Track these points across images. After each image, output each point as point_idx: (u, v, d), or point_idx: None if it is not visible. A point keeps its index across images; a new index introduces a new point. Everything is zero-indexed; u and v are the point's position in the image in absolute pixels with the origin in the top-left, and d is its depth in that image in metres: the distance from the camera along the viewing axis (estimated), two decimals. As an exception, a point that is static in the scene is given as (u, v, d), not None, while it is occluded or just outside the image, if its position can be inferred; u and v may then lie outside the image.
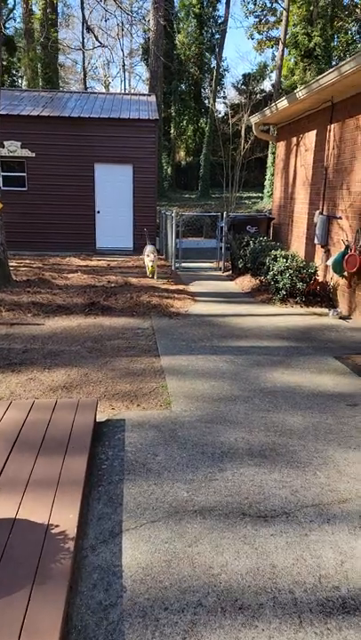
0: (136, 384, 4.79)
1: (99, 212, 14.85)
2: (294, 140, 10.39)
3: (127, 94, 16.63)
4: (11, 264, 11.76)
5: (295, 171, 10.33)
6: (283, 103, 9.24)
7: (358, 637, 2.03)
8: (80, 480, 2.76)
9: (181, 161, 37.04)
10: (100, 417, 3.99)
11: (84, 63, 32.84)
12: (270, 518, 2.76)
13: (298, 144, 10.17)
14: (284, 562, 2.43)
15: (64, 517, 2.41)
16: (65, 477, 2.77)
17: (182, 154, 37.51)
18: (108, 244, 14.94)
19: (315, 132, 9.13)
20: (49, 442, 3.17)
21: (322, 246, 8.66)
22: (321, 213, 8.63)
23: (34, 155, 14.42)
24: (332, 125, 8.23)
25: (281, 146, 11.43)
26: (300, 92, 8.26)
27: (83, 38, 27.01)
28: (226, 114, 32.94)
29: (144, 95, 17.10)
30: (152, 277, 10.24)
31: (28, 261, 12.36)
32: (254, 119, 11.46)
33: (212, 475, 3.18)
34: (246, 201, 26.22)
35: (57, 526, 2.34)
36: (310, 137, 9.37)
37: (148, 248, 10.53)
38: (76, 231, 14.74)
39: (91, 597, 2.18)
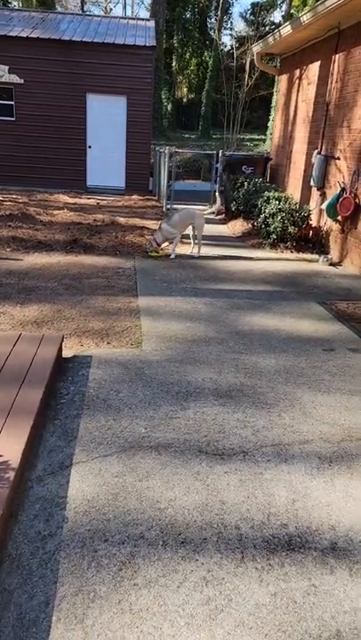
0: (109, 322, 4.65)
1: (90, 147, 14.20)
2: (297, 72, 9.74)
3: (124, 18, 15.49)
4: (-4, 198, 11.36)
5: (296, 107, 9.76)
6: (286, 29, 8.58)
7: (300, 573, 2.00)
8: (32, 412, 2.67)
9: (183, 98, 35.26)
10: (67, 353, 3.87)
11: (81, -16, 30.53)
12: (227, 457, 2.70)
13: (301, 77, 9.54)
14: (235, 499, 2.38)
15: (9, 447, 2.33)
16: (17, 409, 2.68)
17: (185, 90, 35.67)
18: (99, 181, 14.39)
19: (318, 63, 8.53)
20: (6, 373, 3.06)
21: (318, 189, 8.30)
22: (319, 153, 8.21)
23: (22, 81, 13.59)
24: (337, 55, 7.66)
25: (284, 79, 10.75)
26: (305, 17, 7.63)
27: None
28: (232, 47, 30.99)
29: (143, 20, 15.95)
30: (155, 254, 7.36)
31: (14, 196, 11.92)
32: (256, 48, 10.71)
33: (174, 413, 3.10)
34: (248, 143, 25.20)
35: (0, 456, 2.26)
36: (314, 69, 8.77)
37: (176, 217, 7.41)
38: (67, 167, 14.15)
39: (30, 527, 2.13)
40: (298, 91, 9.71)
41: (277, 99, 11.24)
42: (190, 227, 7.48)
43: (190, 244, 7.66)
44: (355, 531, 2.23)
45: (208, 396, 3.33)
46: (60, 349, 3.70)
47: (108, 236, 8.17)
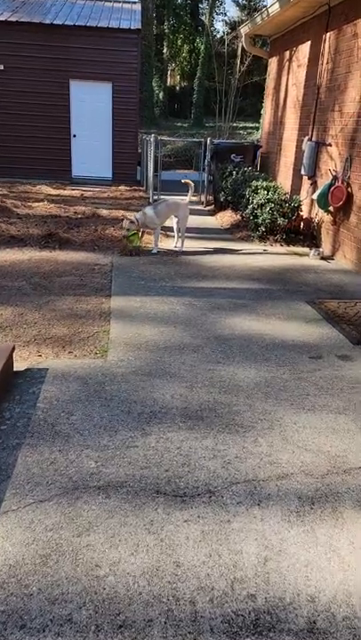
0: (75, 327, 4.20)
1: (75, 135, 13.63)
2: (287, 54, 9.21)
3: (109, 1, 14.81)
4: (-27, 190, 10.83)
5: (286, 91, 9.23)
6: (274, 7, 8.03)
7: (268, 666, 1.57)
8: None
9: (176, 86, 34.47)
10: (20, 365, 3.43)
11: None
12: (189, 499, 2.26)
13: (291, 59, 9.01)
14: (193, 559, 1.95)
15: None
16: None
17: (177, 78, 34.86)
18: (84, 172, 13.84)
19: (309, 43, 8.00)
20: None
21: (309, 178, 7.82)
22: (310, 139, 7.71)
23: (2, 67, 12.98)
24: (328, 34, 7.14)
25: (273, 62, 10.20)
26: (294, -8, 7.09)
27: None
28: (224, 32, 30.19)
29: (128, 3, 15.26)
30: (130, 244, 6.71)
31: (-7, 188, 11.38)
32: (245, 29, 10.15)
33: (132, 440, 2.66)
34: (241, 131, 24.60)
35: None
36: (304, 50, 8.24)
37: (163, 206, 6.81)
38: (51, 157, 13.59)
39: None
40: (288, 74, 9.18)
41: (267, 83, 10.69)
42: (173, 218, 6.99)
43: (174, 237, 7.18)
44: (338, 602, 1.80)
45: (175, 418, 2.89)
46: (10, 362, 3.26)
47: (86, 229, 7.68)
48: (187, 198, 7.05)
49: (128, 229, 6.53)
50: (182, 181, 7.18)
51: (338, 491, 2.37)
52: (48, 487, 2.27)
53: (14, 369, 3.34)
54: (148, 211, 6.66)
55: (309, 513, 2.22)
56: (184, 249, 6.94)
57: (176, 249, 6.96)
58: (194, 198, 11.55)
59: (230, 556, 1.97)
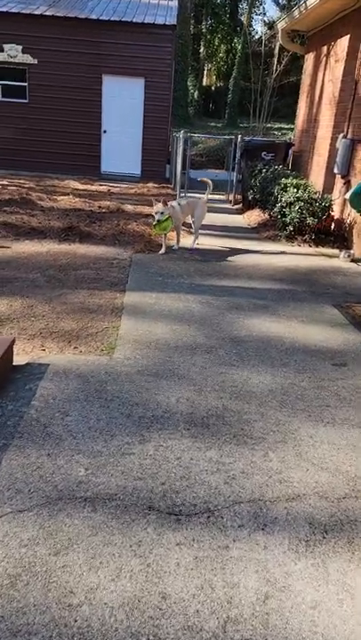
0: (84, 322, 3.99)
1: (105, 131, 13.54)
2: (325, 49, 8.83)
3: (146, -4, 14.65)
4: (1, 183, 10.84)
5: (322, 88, 8.87)
6: (312, 0, 7.69)
7: None
8: None
9: (212, 86, 34.21)
10: (21, 359, 3.24)
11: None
12: (185, 517, 2.01)
13: (328, 54, 8.63)
14: (182, 590, 1.69)
15: None
16: None
17: (213, 78, 34.60)
18: (113, 168, 13.72)
19: (348, 37, 7.63)
20: None
21: (342, 177, 7.44)
22: (345, 137, 7.34)
23: (36, 61, 12.99)
24: (369, 25, 6.76)
25: (310, 58, 9.84)
26: (333, -19, 6.75)
27: None
28: (263, 33, 29.77)
29: (165, -1, 15.06)
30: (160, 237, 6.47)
31: (21, 181, 11.37)
32: (281, 24, 9.83)
33: (129, 447, 2.42)
34: (276, 132, 24.14)
35: None
36: (342, 44, 7.87)
37: (184, 202, 6.65)
38: (81, 152, 13.52)
39: None
40: (324, 70, 8.81)
41: (303, 80, 10.33)
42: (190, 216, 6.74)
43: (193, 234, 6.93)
44: (350, 658, 1.51)
45: (178, 424, 2.64)
46: (9, 355, 3.07)
47: (109, 223, 7.50)
48: (205, 197, 6.80)
49: (162, 212, 5.94)
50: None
51: (356, 518, 2.07)
52: (30, 495, 2.06)
53: (14, 363, 3.15)
54: (175, 204, 6.44)
55: (321, 543, 1.94)
56: (196, 246, 6.68)
57: (196, 245, 6.71)
58: (221, 197, 11.30)
59: (225, 589, 1.71)
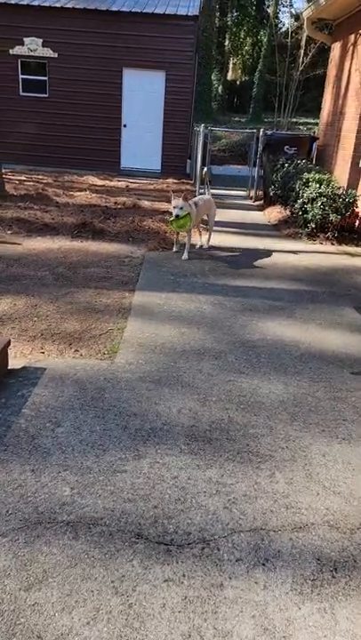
0: (88, 323, 3.81)
1: (125, 125, 13.36)
2: (352, 38, 8.44)
3: (168, -12, 14.39)
4: (19, 178, 10.79)
5: (349, 78, 8.48)
6: (339, -16, 7.33)
7: None
8: None
9: (237, 80, 33.69)
10: (17, 363, 3.07)
11: None
12: (176, 548, 1.80)
13: (355, 43, 8.24)
14: (167, 639, 1.48)
15: None
16: None
17: (238, 72, 34.07)
18: (133, 163, 13.55)
19: (376, 23, 7.24)
20: None
21: (367, 171, 7.09)
22: (371, 129, 6.98)
23: (56, 55, 12.89)
24: None
25: (336, 48, 9.44)
26: (361, -36, 6.38)
27: None
28: (289, 25, 29.10)
29: (188, -10, 14.77)
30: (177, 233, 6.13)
31: (40, 177, 11.30)
32: (307, 12, 9.45)
33: (122, 463, 2.22)
34: (301, 127, 23.57)
35: None
36: (370, 31, 7.48)
37: (201, 202, 6.16)
38: (100, 147, 13.37)
39: None
40: (351, 59, 8.42)
41: (328, 71, 9.93)
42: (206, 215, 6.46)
43: (208, 233, 6.67)
44: None
45: (178, 438, 2.43)
46: (4, 359, 2.91)
47: (123, 220, 7.32)
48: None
49: (182, 208, 5.49)
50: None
51: (371, 555, 1.83)
52: (7, 518, 1.88)
53: (9, 366, 2.99)
54: (199, 201, 6.14)
55: (330, 583, 1.70)
56: (211, 243, 6.42)
57: (203, 245, 6.46)
58: (242, 193, 11.00)
59: (216, 639, 1.49)
